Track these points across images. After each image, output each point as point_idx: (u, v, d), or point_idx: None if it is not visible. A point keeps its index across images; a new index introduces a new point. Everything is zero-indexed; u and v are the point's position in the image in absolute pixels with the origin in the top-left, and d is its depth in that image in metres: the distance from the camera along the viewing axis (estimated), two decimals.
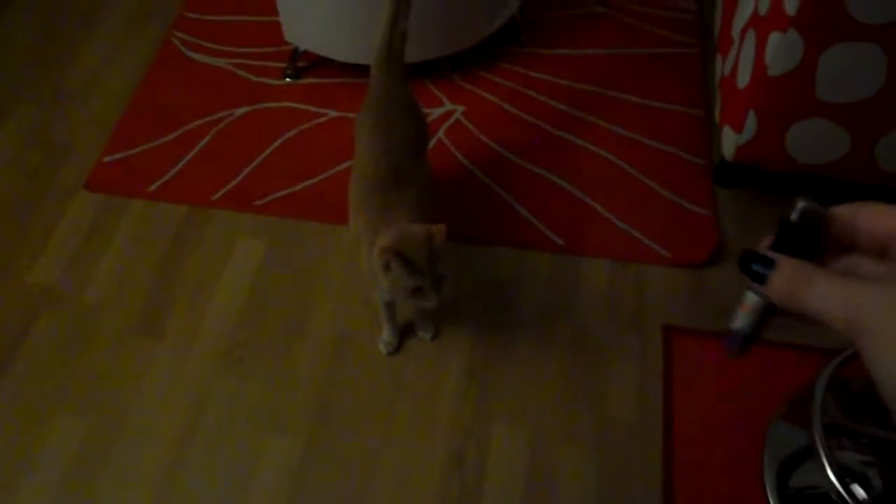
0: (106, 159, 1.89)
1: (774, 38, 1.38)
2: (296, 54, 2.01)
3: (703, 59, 2.05)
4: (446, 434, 1.50)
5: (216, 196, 1.81)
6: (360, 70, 1.90)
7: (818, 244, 0.44)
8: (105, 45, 2.18)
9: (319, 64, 2.04)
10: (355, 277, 1.70)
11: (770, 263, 0.43)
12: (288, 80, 2.03)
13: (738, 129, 1.57)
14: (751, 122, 1.53)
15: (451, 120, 1.93)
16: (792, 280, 0.43)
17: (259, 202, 1.80)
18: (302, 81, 2.03)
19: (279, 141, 1.90)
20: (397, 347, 1.59)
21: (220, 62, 2.08)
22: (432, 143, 1.88)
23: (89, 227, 1.81)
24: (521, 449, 1.48)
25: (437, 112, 1.94)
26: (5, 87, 2.09)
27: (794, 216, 0.44)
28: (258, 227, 1.78)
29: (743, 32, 1.58)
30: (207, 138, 1.92)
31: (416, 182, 1.39)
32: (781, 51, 1.38)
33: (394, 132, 1.41)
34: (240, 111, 1.97)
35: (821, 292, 0.41)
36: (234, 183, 1.83)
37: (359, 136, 1.45)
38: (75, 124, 2.00)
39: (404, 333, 1.61)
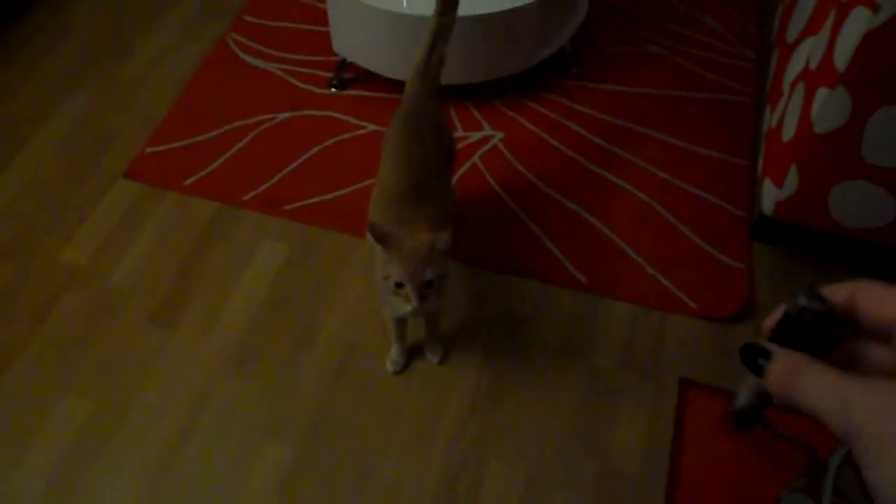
0: (148, 150, 1.94)
1: (822, 93, 1.33)
2: (342, 65, 2.03)
3: (755, 108, 1.99)
4: (442, 461, 1.47)
5: (247, 197, 1.83)
6: (403, 87, 1.91)
7: (822, 335, 0.43)
8: (164, 40, 2.24)
9: (365, 77, 2.06)
10: (370, 292, 1.69)
11: (767, 356, 0.43)
12: (333, 90, 2.04)
13: (779, 183, 1.51)
14: (792, 178, 1.47)
15: (489, 145, 1.91)
16: (787, 374, 0.41)
17: (288, 207, 1.81)
18: (346, 92, 2.04)
19: (316, 149, 1.91)
20: (404, 367, 1.57)
21: (271, 66, 2.11)
22: (466, 166, 1.87)
23: (123, 213, 1.85)
24: (516, 488, 1.44)
25: (475, 136, 1.92)
26: (66, 70, 2.16)
27: (793, 310, 0.43)
28: (283, 231, 1.79)
29: (793, 85, 1.53)
30: (247, 139, 1.94)
31: (436, 199, 1.38)
32: (828, 107, 1.32)
33: (419, 148, 1.40)
34: (282, 116, 1.99)
35: (814, 388, 0.40)
36: (266, 185, 1.85)
37: (385, 149, 1.45)
38: (124, 113, 2.05)
39: (413, 354, 1.59)
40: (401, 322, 1.49)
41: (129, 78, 2.14)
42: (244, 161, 1.90)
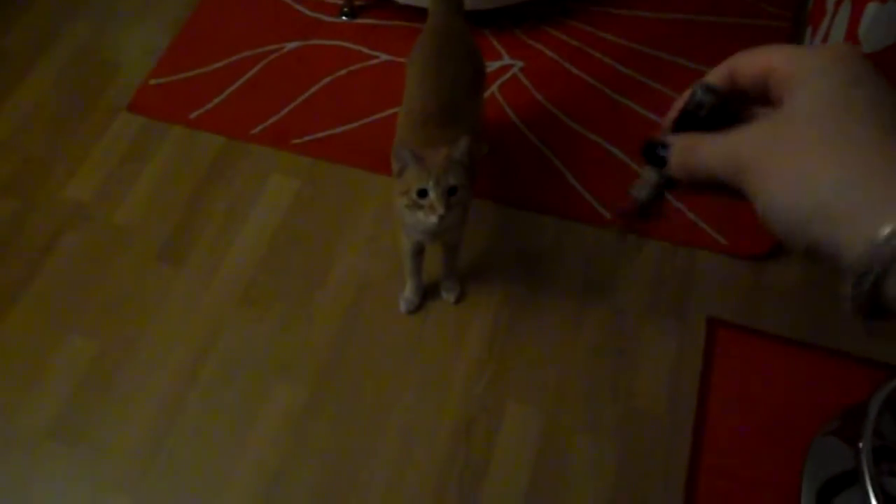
0: (152, 82, 1.85)
1: (871, 8, 1.22)
2: None
3: (793, 33, 1.86)
4: (458, 403, 1.41)
5: (255, 130, 1.75)
6: (417, 14, 1.80)
7: (719, 123, 0.44)
8: None
9: (377, 4, 1.94)
10: (385, 228, 1.61)
11: (667, 146, 0.45)
12: (344, 17, 1.94)
13: None
14: None
15: (508, 75, 1.81)
16: (685, 151, 0.44)
17: (297, 141, 1.73)
18: (357, 21, 1.94)
19: (326, 80, 1.82)
20: (418, 307, 1.51)
21: None
22: (485, 95, 1.77)
23: (127, 148, 1.78)
24: (535, 430, 1.38)
25: (494, 66, 1.82)
26: (61, 2, 2.06)
27: (690, 105, 0.45)
28: (293, 166, 1.72)
29: (839, 2, 1.41)
30: (254, 70, 1.85)
31: (464, 122, 1.30)
32: (878, 23, 1.21)
33: (447, 68, 1.31)
34: (290, 45, 1.89)
35: (706, 151, 0.42)
36: (274, 119, 1.77)
37: (410, 70, 1.36)
38: (126, 45, 1.96)
39: (428, 294, 1.53)
40: (418, 255, 1.42)
41: (131, 6, 2.05)
42: (251, 94, 1.82)
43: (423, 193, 1.14)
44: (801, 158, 0.37)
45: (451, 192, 1.15)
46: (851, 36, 1.29)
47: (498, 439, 1.38)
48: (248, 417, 1.41)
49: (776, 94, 0.41)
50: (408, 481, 1.34)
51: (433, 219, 1.16)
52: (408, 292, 1.50)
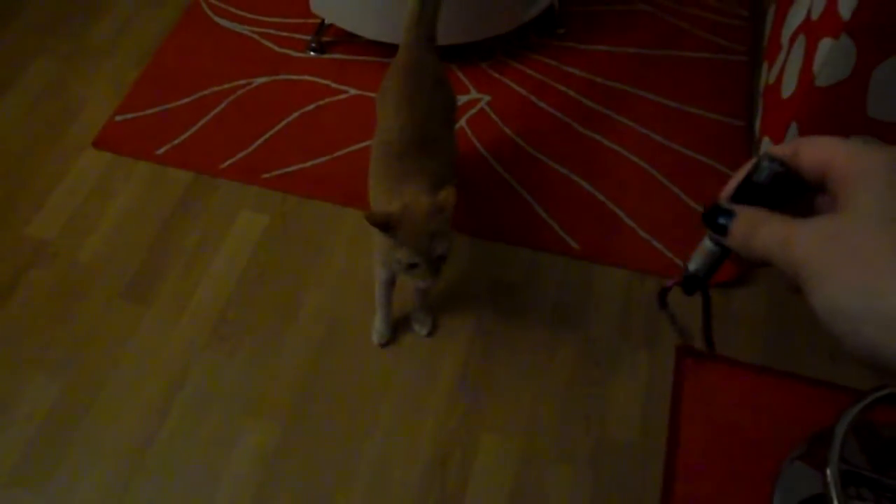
0: (118, 118, 1.84)
1: (825, 44, 1.27)
2: (321, 27, 1.94)
3: (750, 67, 1.92)
4: (432, 437, 1.41)
5: (224, 165, 1.75)
6: (386, 49, 1.83)
7: (781, 196, 0.45)
8: (133, 2, 2.13)
9: (345, 39, 1.96)
10: (356, 263, 1.61)
11: (730, 215, 0.45)
12: (312, 53, 1.95)
13: (779, 141, 1.45)
14: (792, 136, 1.41)
15: (476, 109, 1.84)
16: (748, 227, 0.44)
17: (267, 175, 1.73)
18: (325, 56, 1.95)
19: (294, 115, 1.83)
20: (390, 340, 1.51)
21: (245, 29, 2.02)
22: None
23: (93, 185, 1.76)
24: (510, 462, 1.38)
25: (462, 99, 1.85)
26: (29, 35, 2.05)
27: (754, 173, 0.45)
28: (263, 201, 1.71)
29: (793, 38, 1.46)
30: (222, 105, 1.85)
31: (439, 154, 1.31)
32: (832, 59, 1.26)
33: (420, 100, 1.33)
34: (258, 81, 1.90)
35: (766, 234, 0.43)
36: (243, 154, 1.76)
37: (382, 103, 1.38)
38: (92, 80, 1.95)
39: (399, 327, 1.53)
40: (391, 284, 1.43)
41: (96, 43, 2.03)
42: (219, 128, 1.81)
43: (413, 266, 1.16)
44: (863, 265, 0.37)
45: (439, 259, 1.17)
46: (807, 71, 1.35)
47: (473, 471, 1.37)
48: (220, 457, 1.39)
49: (833, 188, 0.42)
50: None
51: (423, 284, 1.20)
52: (378, 323, 1.50)
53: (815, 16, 1.35)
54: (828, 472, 1.11)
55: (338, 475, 1.37)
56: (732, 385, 1.46)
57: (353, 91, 1.87)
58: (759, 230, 0.43)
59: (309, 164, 1.74)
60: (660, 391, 1.45)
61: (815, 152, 0.43)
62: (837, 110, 1.32)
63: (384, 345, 1.50)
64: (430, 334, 1.52)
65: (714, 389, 1.46)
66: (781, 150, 0.45)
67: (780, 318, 1.53)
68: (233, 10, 2.06)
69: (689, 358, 1.48)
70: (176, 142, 1.79)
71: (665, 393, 1.45)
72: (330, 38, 1.97)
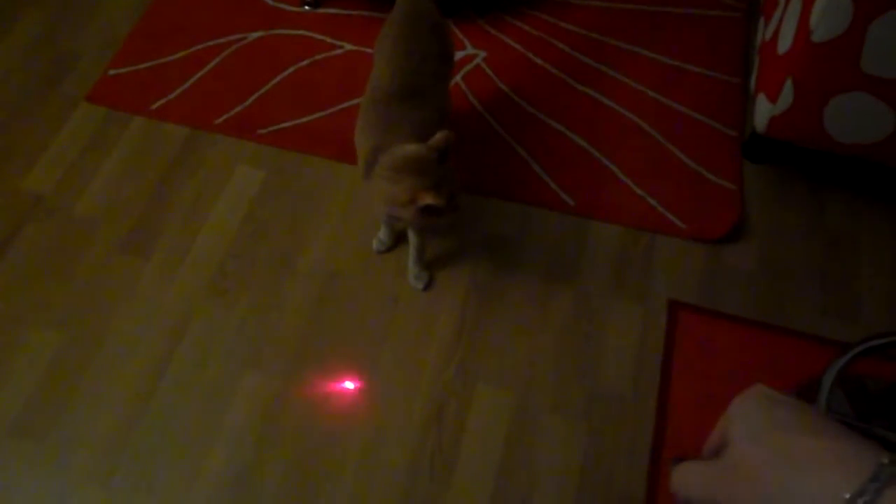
0: (111, 72, 1.83)
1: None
2: None
3: (747, 24, 1.92)
4: (428, 387, 1.44)
5: (219, 120, 1.74)
6: (382, 4, 1.81)
7: None
8: None
9: None
10: (352, 218, 1.62)
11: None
12: (307, 7, 1.93)
13: (774, 98, 1.46)
14: (787, 92, 1.41)
15: (472, 65, 1.83)
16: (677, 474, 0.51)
17: (262, 131, 1.73)
18: (321, 10, 1.93)
19: (290, 70, 1.82)
20: (389, 249, 1.56)
21: None
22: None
23: (88, 139, 1.75)
24: (505, 412, 1.41)
25: (458, 55, 1.84)
26: None
27: None
28: (259, 156, 1.71)
29: None
30: (217, 60, 1.84)
31: (428, 105, 1.31)
32: (828, 14, 1.26)
33: (415, 49, 1.33)
34: (253, 35, 1.88)
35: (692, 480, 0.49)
36: (238, 109, 1.76)
37: (379, 48, 1.38)
38: (84, 34, 1.93)
39: (397, 279, 1.54)
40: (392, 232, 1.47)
41: None
42: (214, 83, 1.80)
43: (431, 210, 1.17)
44: (746, 488, 0.43)
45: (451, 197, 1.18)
46: (803, 26, 1.35)
47: (468, 423, 1.40)
48: (219, 409, 1.41)
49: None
50: (380, 462, 1.36)
51: (445, 221, 1.22)
52: (381, 234, 1.55)
53: None
54: None
55: (337, 425, 1.39)
56: (723, 338, 1.49)
57: (348, 46, 1.86)
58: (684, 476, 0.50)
59: (304, 119, 1.74)
60: (652, 344, 1.48)
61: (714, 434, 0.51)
62: (832, 66, 1.33)
63: (381, 252, 1.55)
64: (426, 288, 1.54)
65: (705, 342, 1.48)
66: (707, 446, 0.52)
67: (771, 274, 1.56)
68: None
69: (682, 311, 1.51)
70: (171, 96, 1.78)
71: (657, 346, 1.48)
72: None
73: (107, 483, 1.33)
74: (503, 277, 1.56)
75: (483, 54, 1.85)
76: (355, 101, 1.75)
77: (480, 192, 1.65)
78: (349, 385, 1.44)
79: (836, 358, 1.25)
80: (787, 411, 0.45)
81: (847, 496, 0.37)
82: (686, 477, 0.49)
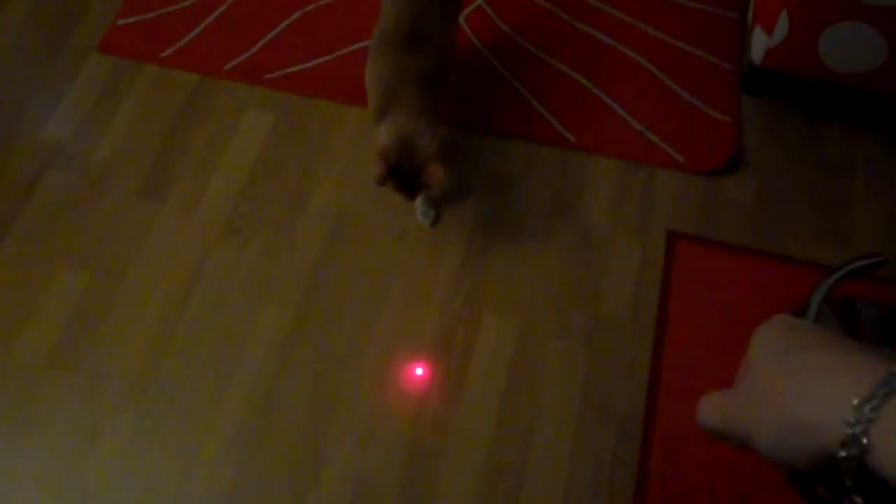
0: (120, 22, 1.86)
1: None
2: None
3: None
4: (436, 317, 1.51)
5: (228, 66, 1.78)
6: None
7: None
8: None
9: None
10: (360, 160, 1.68)
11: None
12: None
13: (769, 30, 1.49)
14: (783, 22, 1.44)
15: (474, 5, 1.85)
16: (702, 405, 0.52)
17: (271, 76, 1.77)
18: None
19: (297, 14, 1.85)
20: None
21: None
22: None
23: (101, 88, 1.80)
24: (510, 338, 1.48)
25: None
26: None
27: None
28: (268, 101, 1.76)
29: None
30: (224, 7, 1.87)
31: (433, 49, 1.35)
32: None
33: None
34: None
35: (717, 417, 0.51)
36: (247, 55, 1.80)
37: None
38: None
39: (405, 217, 1.60)
40: None
41: None
42: (222, 30, 1.84)
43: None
44: (763, 404, 0.45)
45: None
46: None
47: (475, 348, 1.48)
48: (239, 340, 1.49)
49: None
50: (390, 391, 1.44)
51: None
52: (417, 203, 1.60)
53: None
54: None
55: (351, 353, 1.47)
56: (720, 266, 1.54)
57: None
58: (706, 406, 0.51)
59: (312, 63, 1.78)
60: (651, 272, 1.54)
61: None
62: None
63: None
64: (433, 224, 1.60)
65: (703, 270, 1.54)
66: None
67: (767, 204, 1.60)
68: None
69: (680, 240, 1.56)
70: (179, 44, 1.82)
71: (656, 274, 1.54)
72: None
73: (136, 409, 1.42)
74: (507, 212, 1.61)
75: None
76: (361, 45, 1.78)
77: (483, 130, 1.70)
78: (361, 316, 1.51)
79: (823, 278, 1.30)
80: (803, 333, 0.47)
81: (856, 402, 0.39)
82: (710, 406, 0.50)
